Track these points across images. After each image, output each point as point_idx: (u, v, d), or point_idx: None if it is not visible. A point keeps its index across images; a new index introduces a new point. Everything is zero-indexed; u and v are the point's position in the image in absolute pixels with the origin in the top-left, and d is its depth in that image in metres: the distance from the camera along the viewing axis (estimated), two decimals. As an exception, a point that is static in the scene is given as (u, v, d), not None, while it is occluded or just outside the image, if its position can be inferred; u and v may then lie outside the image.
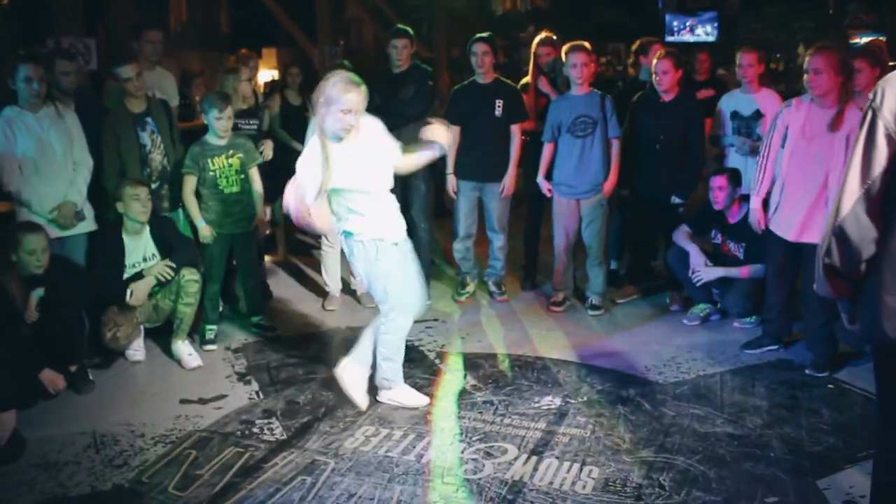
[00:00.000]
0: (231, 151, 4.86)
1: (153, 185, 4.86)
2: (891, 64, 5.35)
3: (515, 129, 5.39)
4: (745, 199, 4.96)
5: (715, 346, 4.74)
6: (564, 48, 5.22)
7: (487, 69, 5.35)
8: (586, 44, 5.16)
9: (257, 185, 4.97)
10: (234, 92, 5.32)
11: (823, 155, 4.11)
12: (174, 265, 4.50)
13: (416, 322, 5.09)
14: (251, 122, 5.42)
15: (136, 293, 4.44)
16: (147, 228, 4.58)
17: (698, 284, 5.01)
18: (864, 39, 8.26)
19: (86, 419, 3.91)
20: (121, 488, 3.30)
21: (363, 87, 3.63)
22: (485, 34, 5.42)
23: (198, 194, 4.82)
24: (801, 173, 4.21)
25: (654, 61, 5.15)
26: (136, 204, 4.45)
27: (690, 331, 5.03)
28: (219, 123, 4.75)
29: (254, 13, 13.29)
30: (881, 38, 9.50)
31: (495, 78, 5.41)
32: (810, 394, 4.07)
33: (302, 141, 5.45)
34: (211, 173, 4.79)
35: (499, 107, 5.31)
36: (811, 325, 4.36)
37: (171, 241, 4.61)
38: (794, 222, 4.26)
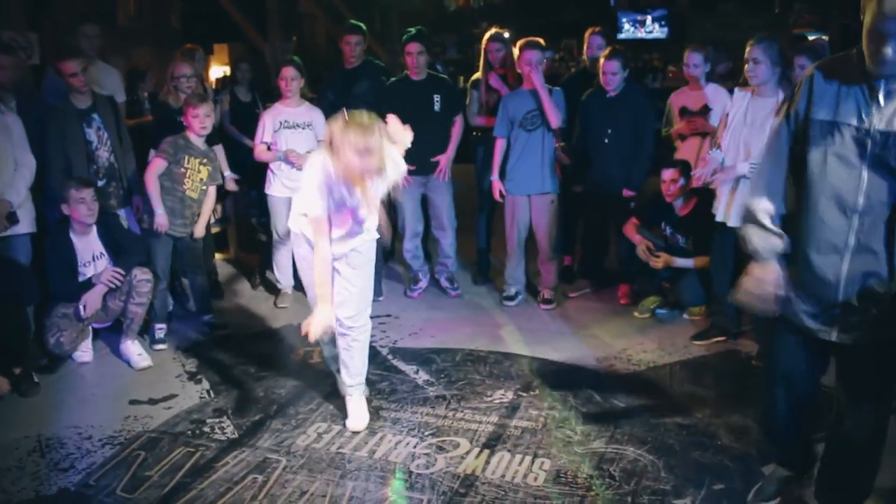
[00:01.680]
0: (205, 160, 4.83)
1: (100, 183, 4.77)
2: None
3: (458, 120, 5.43)
4: (694, 192, 5.05)
5: (665, 338, 4.80)
6: (518, 44, 5.24)
7: (422, 68, 5.35)
8: (540, 40, 5.19)
9: (210, 200, 4.94)
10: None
11: (758, 140, 4.21)
12: (124, 271, 4.40)
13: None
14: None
15: (89, 304, 4.33)
16: (94, 228, 4.49)
17: (655, 268, 5.05)
18: (809, 38, 8.42)
19: (30, 423, 3.82)
20: (67, 492, 3.24)
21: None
22: (413, 30, 5.40)
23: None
24: (737, 159, 4.33)
25: (602, 60, 5.20)
26: (82, 207, 4.35)
27: (641, 323, 5.10)
28: (196, 121, 4.70)
29: (205, 8, 13.12)
30: (823, 36, 9.72)
31: (429, 73, 5.41)
32: (756, 383, 4.11)
33: (252, 137, 5.42)
34: (182, 170, 4.74)
35: (437, 102, 5.32)
36: (757, 316, 4.45)
37: (118, 240, 4.52)
38: (726, 202, 4.40)
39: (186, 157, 4.74)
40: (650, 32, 17.88)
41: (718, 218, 4.47)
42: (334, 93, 5.56)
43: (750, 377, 4.23)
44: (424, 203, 5.61)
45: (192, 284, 5.11)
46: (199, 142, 4.80)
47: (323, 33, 15.09)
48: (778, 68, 4.22)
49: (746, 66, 4.26)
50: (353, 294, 3.64)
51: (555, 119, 5.08)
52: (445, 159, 5.41)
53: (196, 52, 5.97)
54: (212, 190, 4.93)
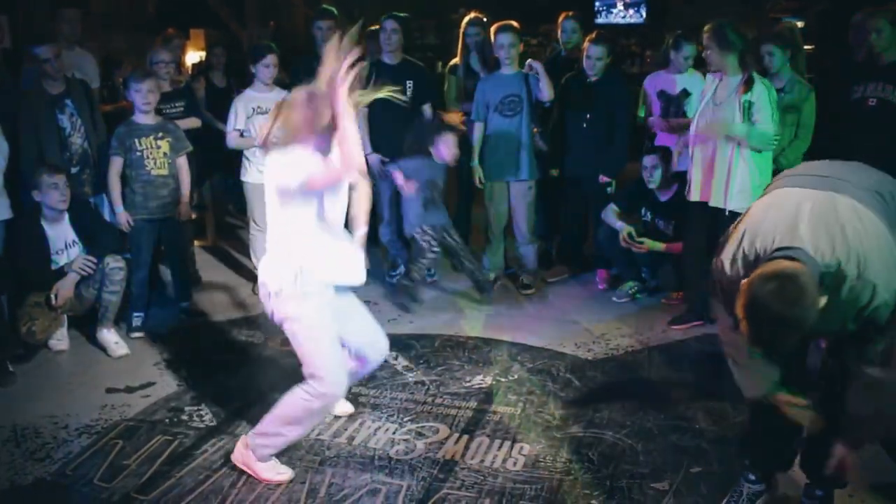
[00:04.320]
0: (161, 133, 4.75)
1: (74, 170, 4.72)
2: (806, 48, 5.52)
3: (426, 109, 5.39)
4: (676, 177, 5.07)
5: (643, 323, 4.83)
6: (493, 28, 5.23)
7: (396, 49, 5.31)
8: (514, 23, 5.17)
9: (184, 172, 4.87)
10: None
11: (726, 117, 4.28)
12: (95, 258, 4.35)
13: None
14: (176, 104, 5.31)
15: (61, 293, 4.28)
16: (66, 215, 4.44)
17: (645, 251, 5.04)
18: (782, 21, 8.45)
19: (5, 413, 3.78)
20: (42, 482, 3.21)
21: None
22: (400, 14, 5.36)
23: (125, 177, 4.70)
24: (704, 137, 4.39)
25: (587, 44, 5.18)
26: (55, 192, 4.29)
27: (619, 308, 5.12)
28: (138, 96, 4.62)
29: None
30: (796, 21, 9.76)
31: (403, 58, 5.38)
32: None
33: (229, 123, 5.37)
34: (137, 153, 4.67)
35: (409, 87, 5.29)
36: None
37: (90, 228, 4.47)
38: (699, 182, 4.43)
39: (136, 140, 4.67)
40: (623, 17, 17.89)
41: (692, 198, 4.50)
42: (307, 76, 5.51)
43: (726, 361, 4.25)
44: None
45: (172, 271, 5.07)
46: (145, 119, 4.71)
47: (301, 19, 14.94)
48: (728, 51, 4.23)
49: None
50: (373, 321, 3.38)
51: (546, 92, 5.10)
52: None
53: (175, 38, 5.91)
54: (182, 161, 4.85)
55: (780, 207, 2.51)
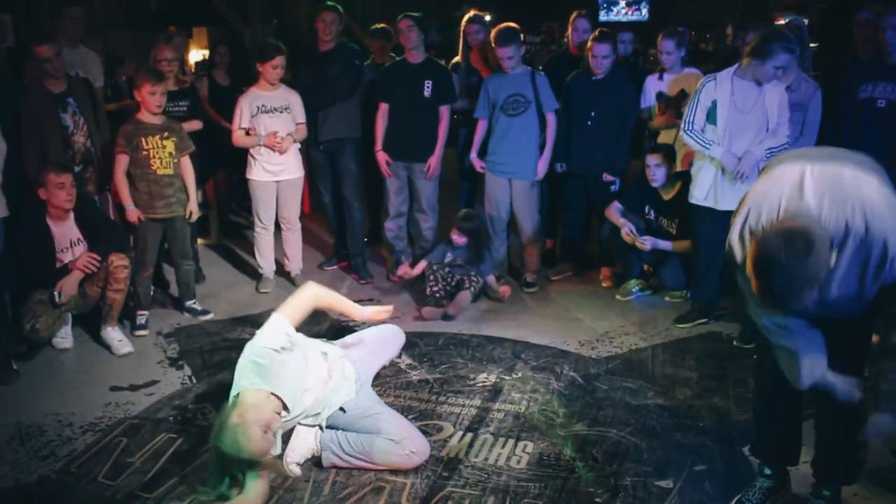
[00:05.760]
0: (166, 133, 4.75)
1: (77, 168, 4.72)
2: (812, 45, 5.49)
3: (444, 111, 5.36)
4: (678, 176, 5.06)
5: (647, 321, 4.83)
6: (492, 35, 5.18)
7: (417, 46, 5.28)
8: (514, 26, 5.11)
9: (189, 172, 4.88)
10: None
11: (758, 124, 4.24)
12: (99, 256, 4.35)
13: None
14: (181, 103, 5.31)
15: (65, 290, 4.28)
16: (72, 213, 4.44)
17: (648, 248, 5.02)
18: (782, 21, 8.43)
19: (9, 410, 3.79)
20: (47, 479, 3.21)
21: None
22: (415, 14, 5.35)
23: (129, 175, 4.70)
24: (740, 143, 4.30)
25: (592, 43, 5.17)
26: (61, 192, 4.29)
27: (623, 306, 5.12)
28: (153, 98, 4.64)
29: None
30: (802, 19, 9.74)
31: (427, 58, 5.37)
32: (737, 365, 4.17)
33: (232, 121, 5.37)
34: (144, 153, 4.67)
35: (428, 87, 5.27)
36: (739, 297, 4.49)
37: (95, 226, 4.47)
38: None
39: (143, 139, 4.67)
40: (626, 15, 17.93)
41: (702, 202, 4.47)
42: (307, 75, 5.52)
43: (730, 358, 4.26)
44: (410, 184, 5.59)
45: (177, 270, 5.08)
46: (152, 119, 4.72)
47: (304, 17, 14.93)
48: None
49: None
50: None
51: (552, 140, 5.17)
52: (434, 161, 5.35)
53: (177, 36, 5.90)
54: (185, 161, 4.87)
55: (782, 182, 2.54)
